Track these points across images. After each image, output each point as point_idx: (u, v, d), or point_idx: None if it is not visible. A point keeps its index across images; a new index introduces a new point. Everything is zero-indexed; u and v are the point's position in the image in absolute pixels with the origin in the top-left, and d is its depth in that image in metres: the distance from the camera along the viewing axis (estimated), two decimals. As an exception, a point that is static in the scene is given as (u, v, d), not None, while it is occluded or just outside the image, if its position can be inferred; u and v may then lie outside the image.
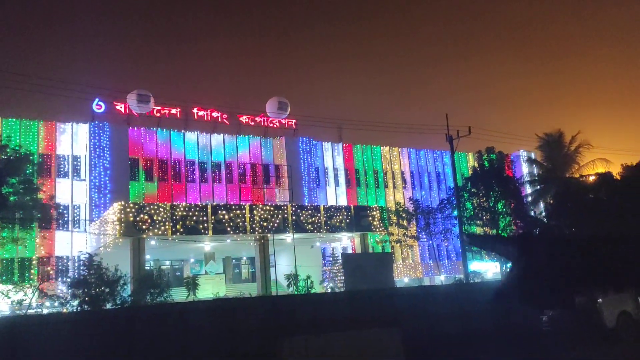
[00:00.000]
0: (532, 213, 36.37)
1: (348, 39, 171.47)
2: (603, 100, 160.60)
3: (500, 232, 30.41)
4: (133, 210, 27.41)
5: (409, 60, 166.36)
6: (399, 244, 39.70)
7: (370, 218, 33.38)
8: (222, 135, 41.35)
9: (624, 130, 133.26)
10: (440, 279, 42.99)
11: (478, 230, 32.46)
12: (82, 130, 37.07)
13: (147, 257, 29.82)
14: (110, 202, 33.38)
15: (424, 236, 38.97)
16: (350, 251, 38.33)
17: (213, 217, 28.94)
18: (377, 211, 34.30)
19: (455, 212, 32.62)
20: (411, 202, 40.55)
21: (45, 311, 20.87)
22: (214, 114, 40.86)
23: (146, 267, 28.45)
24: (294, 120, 43.61)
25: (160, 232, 27.64)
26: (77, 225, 35.57)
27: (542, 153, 43.61)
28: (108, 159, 36.54)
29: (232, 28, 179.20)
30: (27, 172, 27.71)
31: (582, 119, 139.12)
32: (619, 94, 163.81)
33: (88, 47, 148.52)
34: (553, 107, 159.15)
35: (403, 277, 43.51)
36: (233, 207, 30.44)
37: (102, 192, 35.71)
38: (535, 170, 45.54)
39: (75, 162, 36.62)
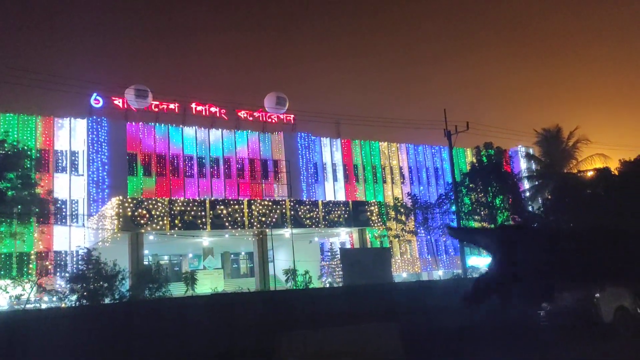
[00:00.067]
0: (530, 208, 36.41)
1: (347, 35, 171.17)
2: (601, 96, 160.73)
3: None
4: (131, 205, 27.38)
5: (407, 57, 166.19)
6: (397, 239, 39.73)
7: (369, 213, 33.40)
8: (220, 130, 41.26)
9: (622, 126, 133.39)
10: (439, 274, 43.04)
11: (476, 225, 32.50)
12: (80, 125, 36.98)
13: (146, 252, 29.81)
14: (109, 197, 33.35)
15: (422, 231, 39.01)
16: (348, 246, 38.36)
17: (211, 212, 28.93)
18: (376, 206, 34.32)
19: (454, 208, 32.65)
20: (409, 197, 40.55)
21: (43, 306, 20.91)
22: (212, 109, 40.76)
23: (144, 262, 28.45)
24: (292, 116, 43.56)
25: (158, 227, 27.63)
26: (75, 220, 35.52)
27: (540, 148, 43.64)
28: (106, 153, 36.47)
29: (231, 23, 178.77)
30: (25, 167, 27.69)
31: (580, 114, 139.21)
32: (617, 90, 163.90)
33: (86, 42, 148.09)
34: (551, 103, 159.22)
35: (401, 272, 43.57)
36: (231, 202, 30.43)
37: (100, 187, 35.66)
38: (534, 166, 45.55)
39: (73, 157, 36.55)
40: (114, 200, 27.75)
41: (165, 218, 27.75)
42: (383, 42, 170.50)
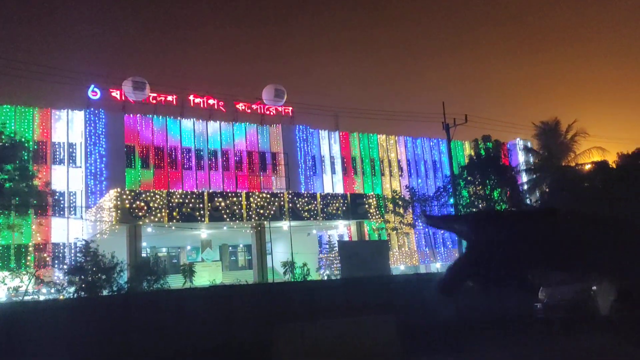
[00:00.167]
0: (528, 201, 36.46)
1: (346, 28, 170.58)
2: (599, 90, 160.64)
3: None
4: (129, 197, 27.36)
5: (406, 50, 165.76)
6: (395, 232, 39.80)
7: (367, 206, 33.42)
8: (218, 122, 41.17)
9: (620, 119, 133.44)
10: (436, 266, 43.15)
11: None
12: (78, 117, 36.87)
13: (144, 244, 29.83)
14: (107, 189, 33.32)
15: (420, 224, 39.05)
16: (346, 239, 38.41)
17: (209, 205, 28.93)
18: (374, 199, 34.35)
19: (452, 200, 32.70)
20: (407, 190, 40.61)
21: (41, 298, 20.91)
22: (210, 101, 40.66)
23: (142, 254, 28.46)
24: (290, 108, 43.47)
25: (156, 219, 27.62)
26: (73, 212, 35.49)
27: (539, 141, 43.58)
28: (104, 146, 36.39)
29: (229, 15, 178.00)
30: (23, 158, 27.60)
31: (578, 108, 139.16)
32: (615, 84, 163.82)
33: (83, 34, 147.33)
34: (550, 96, 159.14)
35: (399, 265, 43.66)
36: (229, 194, 30.42)
37: (98, 179, 35.62)
38: (532, 159, 45.56)
39: (70, 149, 36.46)
40: (112, 193, 27.72)
41: (163, 210, 27.74)
42: (382, 36, 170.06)
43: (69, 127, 36.55)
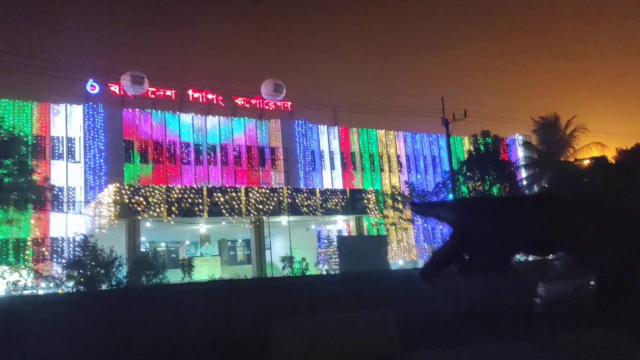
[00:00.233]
0: (527, 197, 36.42)
1: (345, 23, 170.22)
2: (599, 85, 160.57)
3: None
4: (128, 192, 27.33)
5: (406, 46, 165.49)
6: (394, 227, 39.82)
7: (366, 201, 33.43)
8: (217, 117, 41.12)
9: (620, 114, 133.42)
10: (435, 261, 43.14)
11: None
12: (76, 111, 36.79)
13: (143, 239, 29.83)
14: (105, 184, 33.28)
15: (419, 219, 39.06)
16: (345, 234, 38.44)
17: (208, 200, 28.91)
18: (373, 194, 34.35)
19: (451, 196, 32.70)
20: (407, 185, 40.61)
21: (40, 292, 20.86)
22: (209, 96, 40.59)
23: (141, 249, 28.48)
24: (289, 103, 43.40)
25: (155, 214, 27.60)
26: (72, 206, 35.47)
27: (538, 137, 43.50)
28: (102, 140, 36.34)
29: (228, 10, 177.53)
30: (22, 153, 27.54)
31: (577, 103, 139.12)
32: (614, 79, 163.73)
33: (82, 28, 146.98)
34: (549, 91, 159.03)
35: (398, 260, 43.72)
36: (228, 189, 30.40)
37: (97, 173, 35.58)
38: (531, 154, 45.50)
39: (69, 144, 36.40)
40: (111, 187, 27.69)
41: (162, 205, 27.72)
42: (382, 31, 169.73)
43: (67, 121, 36.48)
